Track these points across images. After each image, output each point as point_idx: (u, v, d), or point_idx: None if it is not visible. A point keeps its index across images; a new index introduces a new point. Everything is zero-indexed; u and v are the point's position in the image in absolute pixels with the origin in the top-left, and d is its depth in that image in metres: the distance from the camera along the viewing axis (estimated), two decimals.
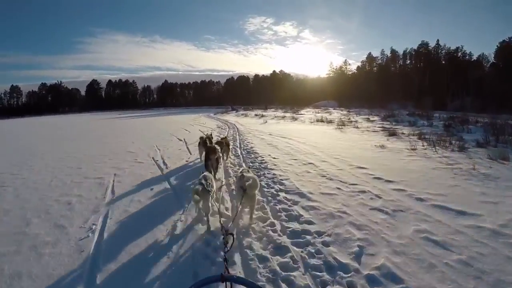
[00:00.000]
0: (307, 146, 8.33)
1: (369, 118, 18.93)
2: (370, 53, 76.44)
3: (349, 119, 18.76)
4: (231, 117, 26.06)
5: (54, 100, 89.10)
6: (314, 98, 59.58)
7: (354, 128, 13.70)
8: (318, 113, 26.97)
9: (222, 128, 15.45)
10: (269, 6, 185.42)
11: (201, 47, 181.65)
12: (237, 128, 15.06)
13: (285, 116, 23.36)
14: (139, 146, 9.78)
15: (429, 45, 66.93)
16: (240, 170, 4.47)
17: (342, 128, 13.61)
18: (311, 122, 17.88)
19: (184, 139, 11.17)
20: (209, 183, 3.62)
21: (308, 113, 27.09)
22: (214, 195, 3.89)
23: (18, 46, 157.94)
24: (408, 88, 53.05)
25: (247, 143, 9.47)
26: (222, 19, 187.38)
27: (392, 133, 10.76)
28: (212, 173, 4.96)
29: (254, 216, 3.72)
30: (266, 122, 19.10)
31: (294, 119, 20.83)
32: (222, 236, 2.47)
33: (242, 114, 28.71)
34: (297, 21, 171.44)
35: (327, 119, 18.87)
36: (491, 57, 59.74)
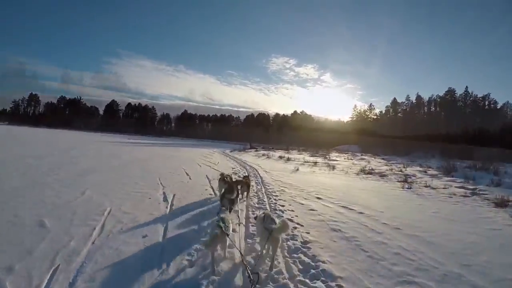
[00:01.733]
0: (410, 240, 4.40)
1: (425, 171, 14.50)
2: (394, 98, 79.47)
3: (400, 171, 14.46)
4: (250, 157, 20.97)
5: (72, 114, 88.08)
6: (335, 141, 58.36)
7: (426, 187, 9.66)
8: (351, 159, 23.16)
9: (238, 175, 9.68)
10: (293, 47, 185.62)
11: (224, 82, 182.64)
12: (260, 177, 10.07)
13: (317, 162, 17.98)
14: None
15: (455, 92, 70.17)
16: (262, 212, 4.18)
17: (410, 188, 9.52)
18: (357, 174, 12.92)
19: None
20: (227, 226, 3.50)
21: (340, 159, 22.80)
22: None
23: (45, 55, 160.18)
24: (434, 136, 49.61)
25: (283, 215, 5.35)
26: (247, 56, 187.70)
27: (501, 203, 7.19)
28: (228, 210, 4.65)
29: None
30: (297, 169, 13.60)
31: (331, 167, 15.40)
32: (248, 276, 2.90)
33: (263, 155, 22.42)
34: (318, 64, 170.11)
35: (373, 169, 14.42)
36: None
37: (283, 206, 6.13)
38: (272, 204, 6.23)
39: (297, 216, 5.35)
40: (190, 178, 9.06)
